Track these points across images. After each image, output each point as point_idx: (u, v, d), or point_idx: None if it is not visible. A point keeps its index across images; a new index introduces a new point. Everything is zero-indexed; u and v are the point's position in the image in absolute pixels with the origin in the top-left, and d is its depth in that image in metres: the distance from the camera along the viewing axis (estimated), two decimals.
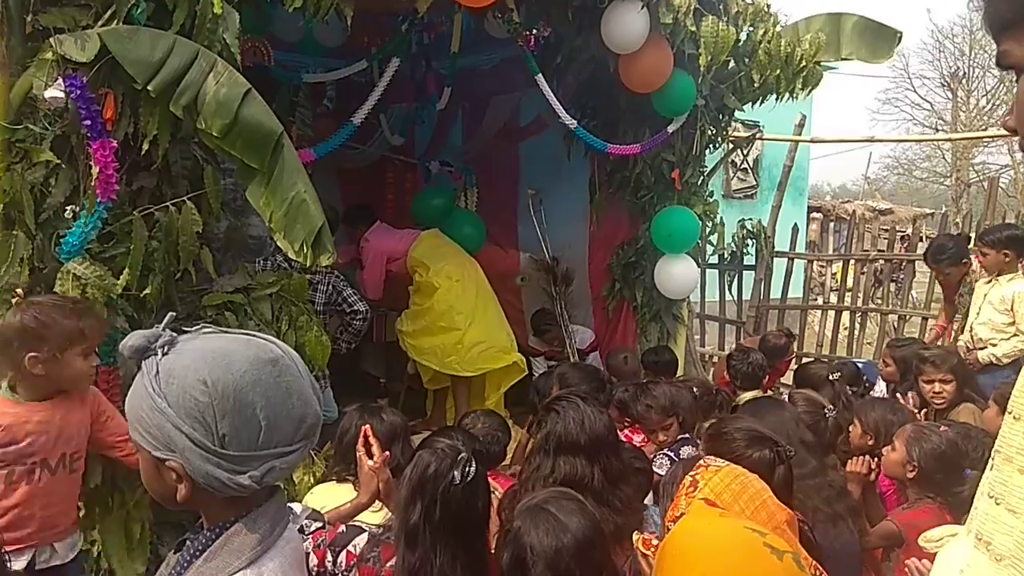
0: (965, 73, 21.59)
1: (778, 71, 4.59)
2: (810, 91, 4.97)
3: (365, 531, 1.69)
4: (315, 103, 4.88)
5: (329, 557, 1.62)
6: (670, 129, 4.74)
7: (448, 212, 5.43)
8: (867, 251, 7.16)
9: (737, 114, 5.22)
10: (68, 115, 2.41)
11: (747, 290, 7.59)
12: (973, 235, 5.34)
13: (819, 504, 2.37)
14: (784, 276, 7.36)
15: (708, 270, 7.40)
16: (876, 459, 2.73)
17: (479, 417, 3.02)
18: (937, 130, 21.61)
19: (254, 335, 1.09)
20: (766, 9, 4.54)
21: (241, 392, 1.00)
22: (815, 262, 8.69)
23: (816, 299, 9.18)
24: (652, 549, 1.49)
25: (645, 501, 2.49)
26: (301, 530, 1.57)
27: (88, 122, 2.35)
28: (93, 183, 2.39)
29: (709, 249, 6.82)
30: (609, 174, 5.26)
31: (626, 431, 3.35)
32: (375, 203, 5.74)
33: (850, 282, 7.20)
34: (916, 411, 3.51)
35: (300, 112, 4.63)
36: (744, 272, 7.64)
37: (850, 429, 3.06)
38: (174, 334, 1.05)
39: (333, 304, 4.34)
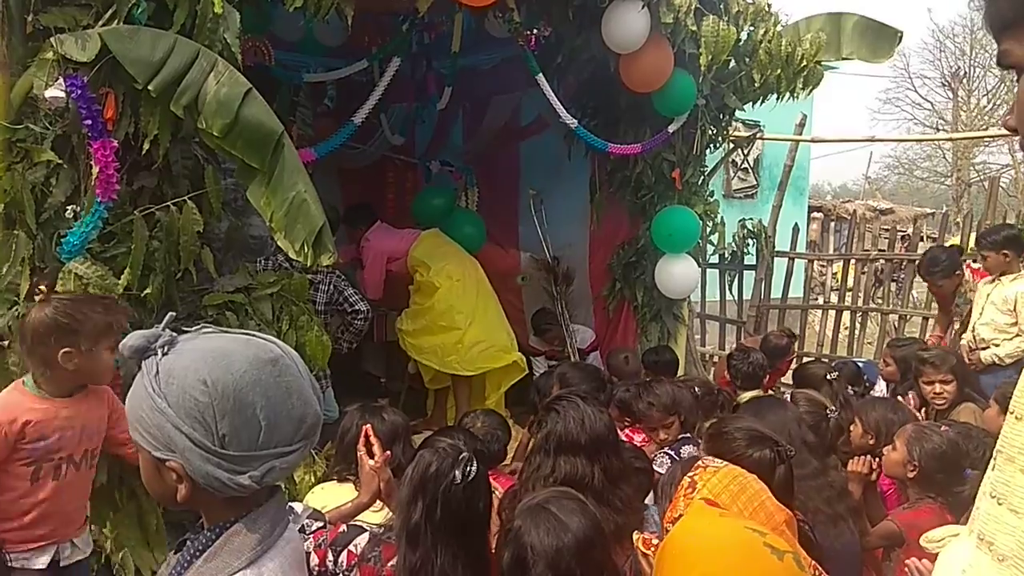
0: (966, 73, 21.59)
1: (779, 71, 4.59)
2: (811, 91, 4.97)
3: (366, 530, 1.70)
4: (315, 103, 4.88)
5: (330, 556, 1.62)
6: (671, 129, 4.74)
7: (449, 212, 5.43)
8: (868, 251, 7.16)
9: (738, 114, 5.22)
10: (69, 115, 2.41)
11: (748, 290, 7.59)
12: (974, 235, 5.35)
13: (820, 505, 2.37)
14: (785, 276, 7.36)
15: (709, 270, 7.39)
16: (877, 459, 2.73)
17: (479, 416, 3.03)
18: (938, 130, 21.61)
19: (254, 335, 1.09)
20: (767, 9, 4.54)
21: (241, 392, 1.00)
22: (816, 262, 8.70)
23: (817, 299, 9.18)
24: (652, 549, 1.49)
25: (646, 501, 2.49)
26: (302, 530, 1.57)
27: (89, 122, 2.36)
28: (94, 183, 2.39)
29: (710, 249, 6.81)
30: (610, 174, 5.26)
31: (626, 431, 3.35)
32: (376, 203, 5.75)
33: (851, 282, 7.20)
34: (916, 411, 3.51)
35: (301, 112, 4.63)
36: (745, 272, 7.64)
37: (851, 429, 3.06)
38: (174, 334, 1.05)
39: (335, 304, 4.34)
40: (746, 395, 3.77)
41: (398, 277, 4.96)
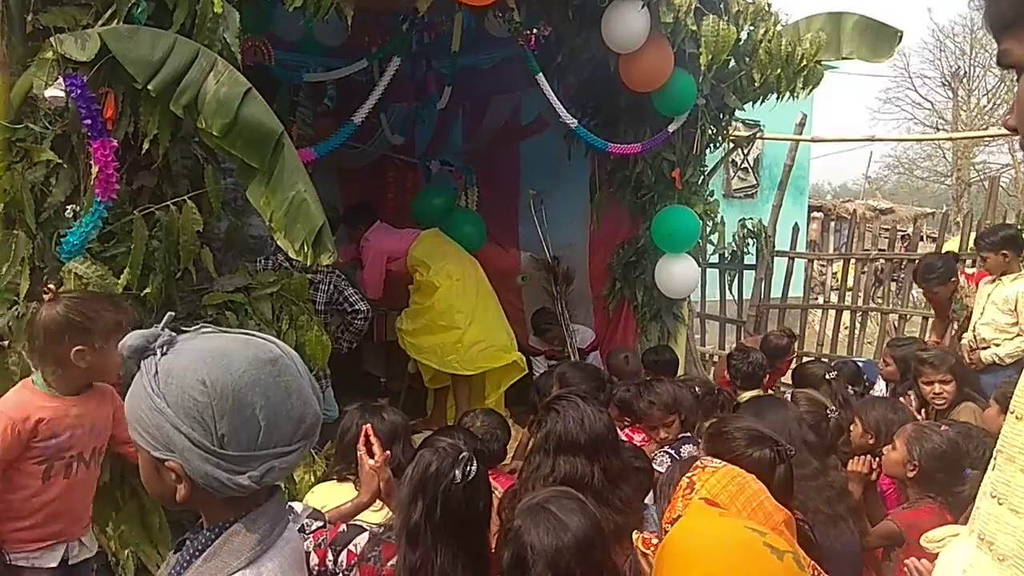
0: (966, 72, 21.57)
1: (779, 70, 4.59)
2: (811, 90, 4.97)
3: (366, 530, 1.70)
4: (315, 102, 4.87)
5: (330, 556, 1.62)
6: (671, 128, 4.74)
7: (448, 211, 5.43)
8: (868, 250, 7.16)
9: (737, 113, 5.22)
10: (68, 114, 2.41)
11: (747, 289, 7.59)
12: (974, 234, 5.35)
13: (820, 505, 2.37)
14: (785, 275, 7.36)
15: (708, 269, 7.39)
16: (877, 458, 2.73)
17: (478, 415, 3.03)
18: (938, 129, 21.60)
19: (253, 335, 1.09)
20: (767, 8, 4.54)
21: (240, 392, 0.99)
22: (816, 261, 8.70)
23: (816, 298, 9.18)
24: (652, 548, 1.49)
25: (645, 500, 2.49)
26: (302, 529, 1.57)
27: (88, 121, 2.36)
28: (93, 182, 2.40)
29: (710, 248, 6.81)
30: (610, 173, 5.26)
31: (626, 430, 3.35)
32: (375, 202, 5.75)
33: (851, 281, 7.20)
34: (916, 411, 3.51)
35: (300, 111, 4.63)
36: (745, 271, 7.64)
37: (851, 428, 3.06)
38: (173, 334, 1.05)
39: (335, 303, 4.34)
40: (746, 395, 3.77)
41: (398, 277, 4.96)
